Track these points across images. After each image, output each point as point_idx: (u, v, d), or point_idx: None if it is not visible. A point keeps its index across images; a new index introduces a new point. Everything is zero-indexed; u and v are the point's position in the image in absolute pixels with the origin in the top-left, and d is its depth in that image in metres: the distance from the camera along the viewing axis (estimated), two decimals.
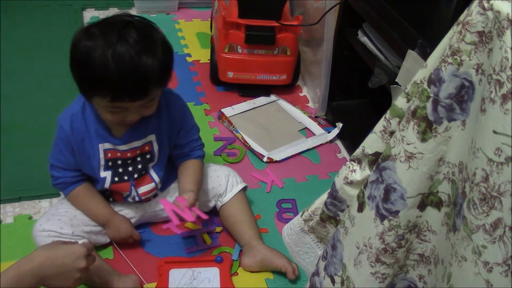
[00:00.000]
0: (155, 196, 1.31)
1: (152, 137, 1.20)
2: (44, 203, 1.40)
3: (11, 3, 2.23)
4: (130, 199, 1.26)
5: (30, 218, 1.35)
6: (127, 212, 1.28)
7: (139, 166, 1.22)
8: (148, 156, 1.22)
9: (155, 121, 1.19)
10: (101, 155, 1.18)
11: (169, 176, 1.32)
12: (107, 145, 1.17)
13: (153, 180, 1.25)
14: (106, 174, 1.20)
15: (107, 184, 1.21)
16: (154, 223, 1.35)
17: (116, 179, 1.21)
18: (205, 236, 1.34)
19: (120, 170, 1.21)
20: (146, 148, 1.21)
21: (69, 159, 1.19)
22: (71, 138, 1.16)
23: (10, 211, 1.36)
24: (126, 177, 1.22)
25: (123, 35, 1.01)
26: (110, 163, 1.19)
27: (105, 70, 1.00)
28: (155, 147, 1.22)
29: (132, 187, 1.23)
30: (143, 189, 1.25)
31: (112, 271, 1.19)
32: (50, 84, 1.82)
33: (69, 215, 1.22)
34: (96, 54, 1.00)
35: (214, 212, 1.37)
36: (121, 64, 1.00)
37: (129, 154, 1.20)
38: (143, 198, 1.26)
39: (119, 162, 1.20)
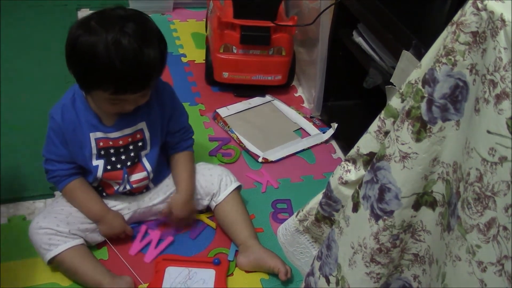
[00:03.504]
0: (147, 189, 1.31)
1: (142, 125, 1.21)
2: (39, 203, 1.39)
3: (5, 3, 2.22)
4: (121, 189, 1.26)
5: (25, 218, 1.34)
6: (120, 207, 1.28)
7: (132, 154, 1.23)
8: (140, 144, 1.23)
9: (145, 108, 1.20)
10: (93, 144, 1.18)
11: (162, 169, 1.32)
12: (99, 134, 1.18)
13: (145, 169, 1.26)
14: (98, 163, 1.20)
15: (99, 173, 1.21)
16: (149, 222, 1.35)
17: (109, 167, 1.22)
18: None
19: (113, 158, 1.21)
20: (138, 135, 1.22)
21: (62, 151, 1.19)
22: (63, 129, 1.16)
23: (5, 212, 1.36)
24: (119, 166, 1.22)
25: (123, 29, 1.03)
26: (102, 152, 1.20)
27: (110, 66, 1.02)
28: (147, 135, 1.23)
29: (125, 175, 1.23)
30: (134, 177, 1.25)
31: (106, 272, 1.18)
32: (44, 84, 1.81)
33: (65, 212, 1.22)
34: (100, 49, 1.02)
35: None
36: (125, 59, 1.02)
37: (121, 142, 1.20)
38: (134, 186, 1.26)
39: (112, 150, 1.20)
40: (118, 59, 1.02)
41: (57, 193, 1.38)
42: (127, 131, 1.20)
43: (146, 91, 1.13)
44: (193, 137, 1.36)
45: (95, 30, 1.03)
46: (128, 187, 1.26)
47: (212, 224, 1.36)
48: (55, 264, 1.18)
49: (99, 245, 1.28)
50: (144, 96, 1.14)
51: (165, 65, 1.13)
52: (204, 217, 1.38)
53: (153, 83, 1.12)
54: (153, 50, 1.06)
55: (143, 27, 1.07)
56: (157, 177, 1.31)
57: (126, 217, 1.29)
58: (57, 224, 1.18)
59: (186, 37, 2.17)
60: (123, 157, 1.22)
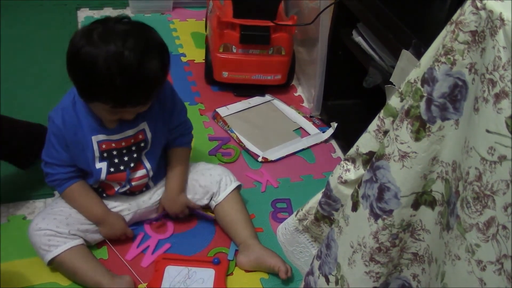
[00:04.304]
0: (147, 187, 1.31)
1: (144, 125, 1.21)
2: (39, 203, 1.39)
3: (5, 2, 2.22)
4: (122, 189, 1.26)
5: (25, 218, 1.34)
6: (121, 209, 1.28)
7: (135, 155, 1.23)
8: (142, 144, 1.23)
9: (146, 108, 1.19)
10: (95, 147, 1.18)
11: (162, 168, 1.32)
12: (101, 137, 1.18)
13: (145, 167, 1.26)
14: (101, 165, 1.20)
15: (103, 175, 1.21)
16: (149, 223, 1.35)
17: (112, 169, 1.22)
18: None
19: (116, 160, 1.21)
20: (140, 136, 1.22)
21: (62, 155, 1.19)
22: (64, 132, 1.16)
23: (4, 211, 1.36)
24: (122, 167, 1.22)
25: (125, 44, 1.02)
26: (105, 154, 1.20)
27: (109, 81, 1.02)
28: (149, 135, 1.23)
29: (128, 176, 1.24)
30: (133, 175, 1.25)
31: (106, 272, 1.18)
32: (44, 83, 1.81)
33: (64, 213, 1.22)
34: (100, 64, 1.01)
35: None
36: (125, 75, 1.02)
37: (123, 144, 1.20)
38: (133, 184, 1.26)
39: (114, 152, 1.20)
40: (118, 75, 1.01)
41: (57, 193, 1.38)
42: (129, 132, 1.20)
43: (147, 104, 1.13)
44: (192, 132, 1.36)
45: (97, 43, 1.02)
46: (127, 185, 1.26)
47: (212, 214, 1.36)
48: (55, 264, 1.18)
49: (99, 245, 1.28)
50: (145, 106, 1.14)
51: (167, 74, 1.13)
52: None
53: (154, 96, 1.12)
54: (154, 65, 1.05)
55: (146, 41, 1.06)
56: (156, 176, 1.31)
57: (127, 218, 1.29)
58: (56, 225, 1.18)
59: (186, 37, 2.17)
60: (126, 158, 1.22)
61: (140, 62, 1.02)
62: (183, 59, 2.03)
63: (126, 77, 1.02)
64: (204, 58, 1.92)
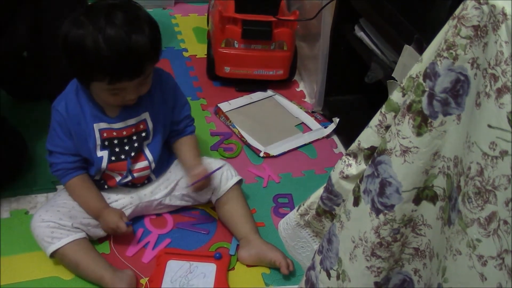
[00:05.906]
0: (149, 180, 1.31)
1: (145, 115, 1.22)
2: (41, 197, 1.39)
3: None
4: (123, 180, 1.26)
5: (27, 213, 1.35)
6: (122, 202, 1.28)
7: (136, 145, 1.24)
8: (143, 135, 1.24)
9: (148, 99, 1.21)
10: (97, 135, 1.19)
11: (164, 162, 1.33)
12: (102, 125, 1.19)
13: (147, 158, 1.26)
14: (102, 154, 1.21)
15: (104, 164, 1.22)
16: (151, 218, 1.35)
17: (113, 158, 1.22)
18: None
19: (117, 149, 1.22)
20: (141, 126, 1.23)
21: (67, 143, 1.19)
22: (67, 121, 1.17)
23: (6, 206, 1.36)
24: (123, 156, 1.23)
25: (110, 18, 1.05)
26: (106, 143, 1.21)
27: (100, 55, 1.04)
28: (150, 125, 1.23)
29: (129, 166, 1.24)
30: (135, 166, 1.26)
31: (108, 266, 1.19)
32: None
33: (67, 206, 1.22)
34: (88, 41, 1.04)
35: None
36: (113, 47, 1.04)
37: (124, 133, 1.21)
38: (135, 175, 1.26)
39: (115, 141, 1.21)
40: (106, 48, 1.04)
41: (59, 187, 1.38)
42: (131, 121, 1.21)
43: (144, 78, 1.13)
44: (194, 124, 1.38)
45: (83, 23, 1.05)
46: (129, 177, 1.26)
47: (214, 214, 1.36)
48: (57, 257, 1.19)
49: (101, 240, 1.28)
50: (144, 84, 1.14)
51: (159, 50, 1.14)
52: (206, 208, 1.38)
53: (148, 69, 1.13)
54: (142, 35, 1.07)
55: (131, 14, 1.08)
56: (158, 169, 1.31)
57: (128, 211, 1.29)
58: (59, 218, 1.19)
59: (188, 32, 2.17)
60: (126, 147, 1.23)
61: (127, 33, 1.05)
62: (185, 54, 2.03)
63: (114, 49, 1.04)
64: (206, 53, 1.92)
